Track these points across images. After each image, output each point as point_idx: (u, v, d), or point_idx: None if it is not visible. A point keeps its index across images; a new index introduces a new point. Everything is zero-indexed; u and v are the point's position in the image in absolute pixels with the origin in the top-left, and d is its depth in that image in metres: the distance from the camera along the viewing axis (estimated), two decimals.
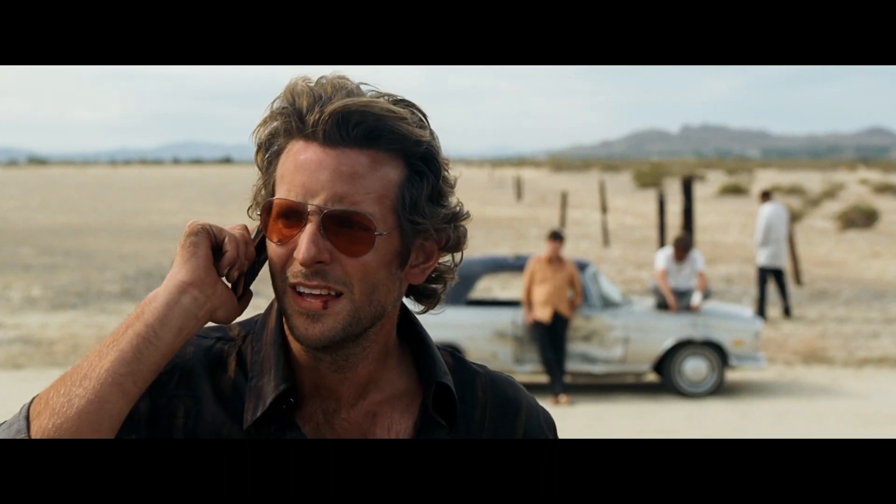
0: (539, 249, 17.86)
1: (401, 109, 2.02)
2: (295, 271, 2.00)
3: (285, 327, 2.09)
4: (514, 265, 16.93)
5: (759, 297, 22.60)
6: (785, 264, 23.19)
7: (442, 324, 15.65)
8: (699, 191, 61.81)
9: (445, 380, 2.15)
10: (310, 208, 1.98)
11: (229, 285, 2.08)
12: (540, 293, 15.81)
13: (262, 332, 2.15)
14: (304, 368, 2.12)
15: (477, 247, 35.27)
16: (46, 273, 31.02)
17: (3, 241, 38.65)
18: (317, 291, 2.00)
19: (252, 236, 2.10)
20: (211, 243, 2.04)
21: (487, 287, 25.36)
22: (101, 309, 24.02)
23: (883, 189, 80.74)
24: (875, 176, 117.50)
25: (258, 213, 2.10)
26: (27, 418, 1.95)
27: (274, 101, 2.05)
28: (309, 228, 1.98)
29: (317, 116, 1.98)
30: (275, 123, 2.05)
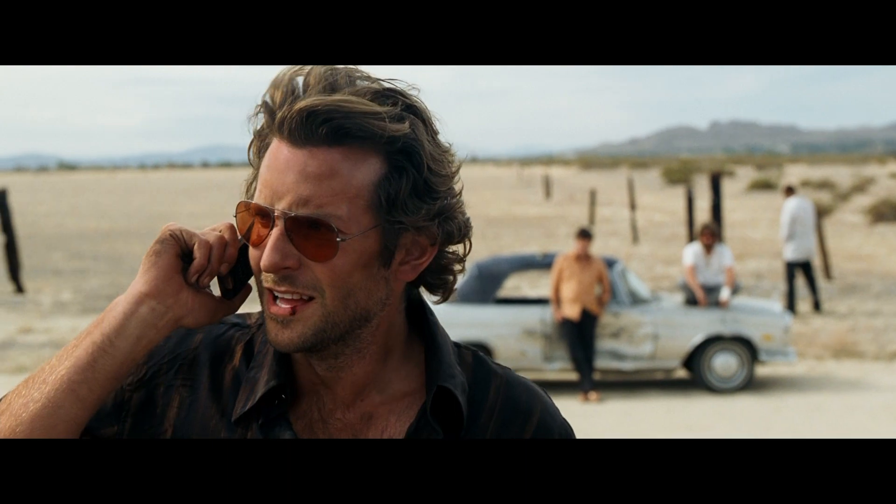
0: (568, 247, 17.86)
1: (375, 103, 1.93)
2: (266, 275, 1.96)
3: None
4: (543, 263, 16.90)
5: (788, 291, 22.52)
6: (813, 258, 23.09)
7: (471, 322, 15.68)
8: (728, 187, 61.71)
9: (449, 383, 2.06)
10: (275, 213, 1.92)
11: (210, 289, 2.03)
12: (568, 291, 15.79)
13: None
14: (302, 365, 2.08)
15: (506, 245, 35.27)
16: (77, 277, 31.17)
17: (34, 247, 38.84)
18: (287, 296, 1.95)
19: (240, 236, 2.04)
20: (179, 250, 2.00)
21: (516, 285, 25.37)
22: None
23: None
24: None
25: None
26: None
27: (265, 93, 1.98)
28: (273, 234, 1.93)
29: (284, 114, 1.91)
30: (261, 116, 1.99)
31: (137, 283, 1.99)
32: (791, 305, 22.15)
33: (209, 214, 62.54)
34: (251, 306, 2.20)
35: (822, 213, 29.21)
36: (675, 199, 62.09)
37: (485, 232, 42.88)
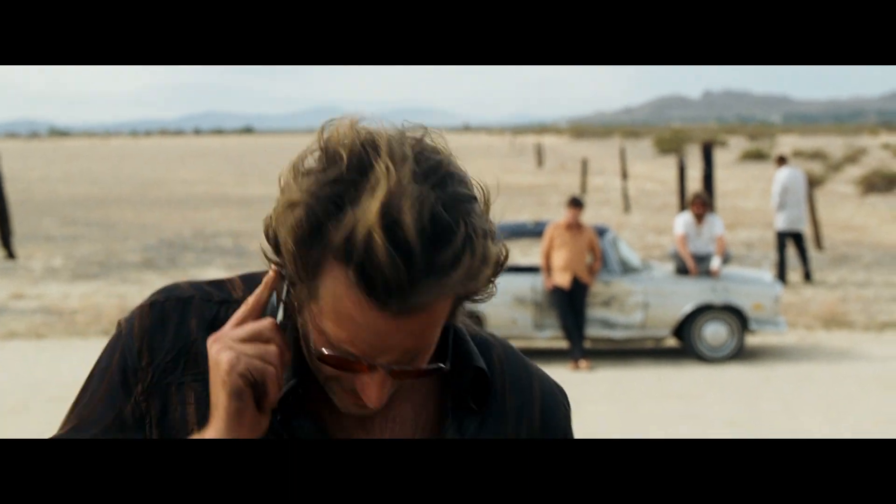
0: (560, 216, 17.84)
1: (469, 253, 1.80)
2: (352, 391, 1.91)
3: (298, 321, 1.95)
4: (534, 231, 16.89)
5: (779, 261, 22.56)
6: (804, 228, 23.12)
7: None
8: (720, 157, 61.68)
9: (481, 364, 2.06)
10: (379, 365, 1.85)
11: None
12: (559, 259, 15.80)
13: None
14: None
15: (497, 213, 35.25)
16: (68, 243, 31.14)
17: (26, 213, 38.78)
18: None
19: (279, 320, 1.93)
20: (253, 389, 1.88)
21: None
22: (123, 279, 24.11)
23: None
24: None
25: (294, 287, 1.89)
26: None
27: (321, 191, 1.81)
28: (378, 379, 1.86)
29: (393, 294, 1.75)
30: (325, 237, 1.80)
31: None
32: (782, 275, 22.18)
33: (202, 181, 62.48)
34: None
35: (813, 183, 29.22)
36: (666, 168, 62.06)
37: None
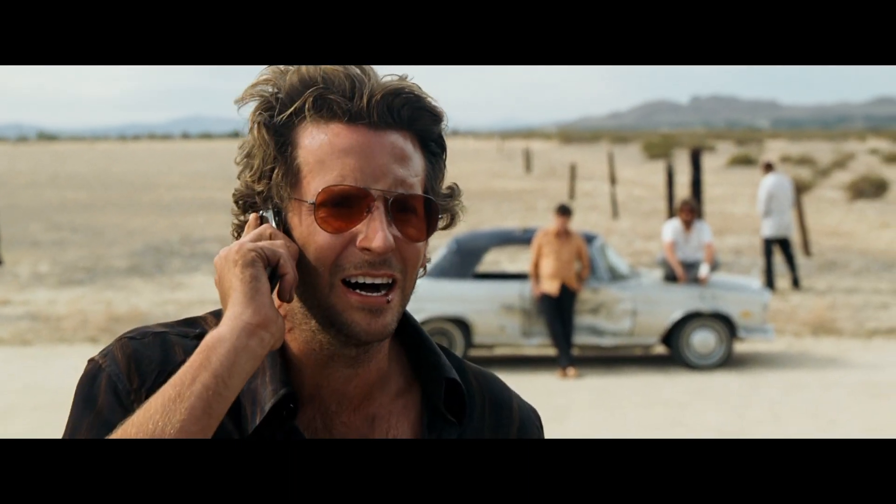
0: (548, 222, 17.82)
1: (422, 93, 1.96)
2: (357, 262, 1.88)
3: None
4: (522, 238, 16.89)
5: (766, 268, 22.57)
6: (791, 234, 23.13)
7: (449, 297, 15.65)
8: (709, 162, 61.78)
9: (453, 375, 2.04)
10: (374, 193, 1.87)
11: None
12: (547, 266, 15.78)
13: None
14: (306, 369, 1.99)
15: (485, 219, 35.26)
16: (55, 249, 31.06)
17: (13, 217, 38.69)
18: (380, 281, 1.90)
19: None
20: (266, 268, 1.88)
21: (495, 260, 25.34)
22: (109, 284, 24.05)
23: (892, 159, 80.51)
24: (885, 145, 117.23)
25: (267, 207, 1.96)
26: None
27: (278, 82, 1.94)
28: (379, 215, 1.87)
29: (367, 98, 1.89)
30: (292, 104, 1.92)
31: (242, 314, 1.83)
32: (770, 282, 22.20)
33: (189, 186, 62.43)
34: None
35: (801, 189, 29.26)
36: (655, 173, 62.14)
37: (464, 206, 42.70)
